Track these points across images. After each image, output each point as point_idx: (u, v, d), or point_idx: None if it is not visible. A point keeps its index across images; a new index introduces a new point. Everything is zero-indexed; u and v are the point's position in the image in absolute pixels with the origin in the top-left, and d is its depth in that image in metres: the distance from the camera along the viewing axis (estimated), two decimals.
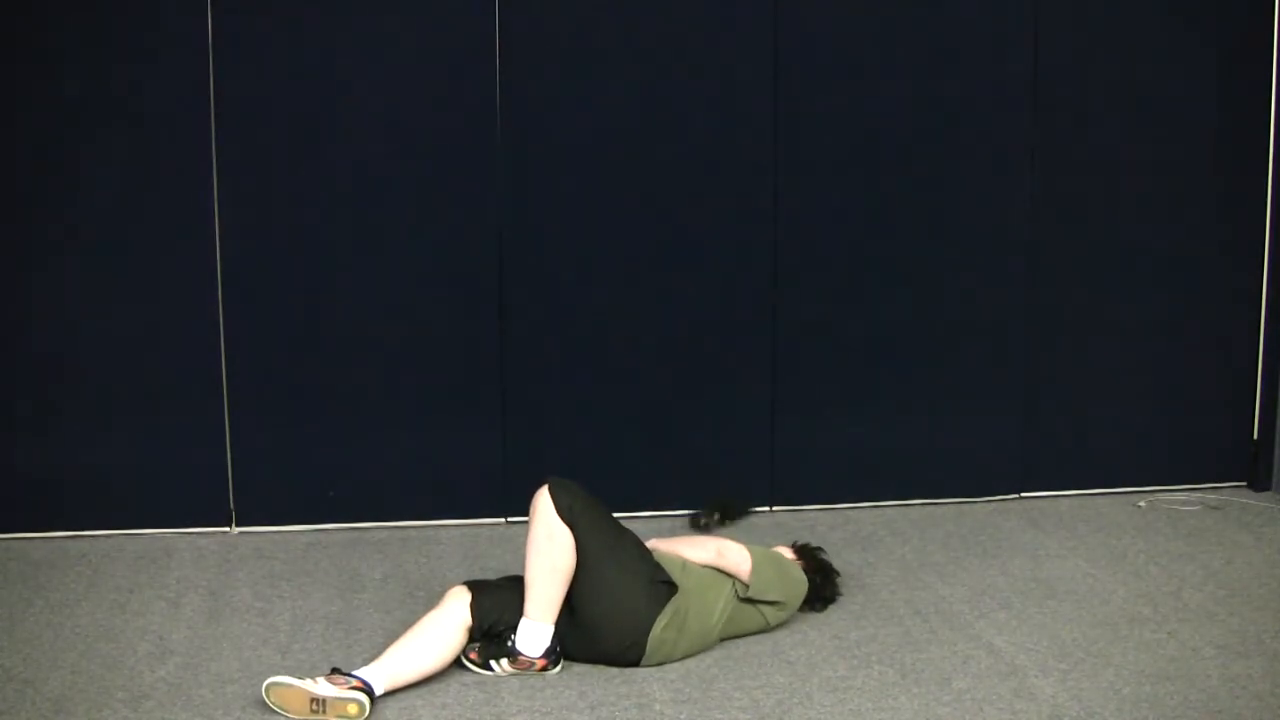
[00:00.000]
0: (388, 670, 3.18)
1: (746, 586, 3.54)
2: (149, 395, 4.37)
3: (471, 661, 3.33)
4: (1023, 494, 4.94)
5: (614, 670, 3.39)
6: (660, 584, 3.39)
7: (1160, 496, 4.95)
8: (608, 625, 3.34)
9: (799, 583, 3.67)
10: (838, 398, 4.75)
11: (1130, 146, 4.82)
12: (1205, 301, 4.96)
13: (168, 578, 4.03)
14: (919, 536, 4.49)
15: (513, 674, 3.31)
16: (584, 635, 3.36)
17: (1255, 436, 5.04)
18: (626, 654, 3.36)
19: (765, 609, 3.58)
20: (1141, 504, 4.88)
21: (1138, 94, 4.79)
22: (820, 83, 4.58)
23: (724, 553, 3.57)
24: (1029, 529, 4.59)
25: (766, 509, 4.77)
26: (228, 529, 4.47)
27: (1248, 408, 5.04)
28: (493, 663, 3.33)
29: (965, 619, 3.76)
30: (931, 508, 4.82)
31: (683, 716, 3.15)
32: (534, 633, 3.31)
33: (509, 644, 3.31)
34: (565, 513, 3.33)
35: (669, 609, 3.37)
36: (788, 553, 3.80)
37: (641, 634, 3.34)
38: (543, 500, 3.36)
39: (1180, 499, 4.93)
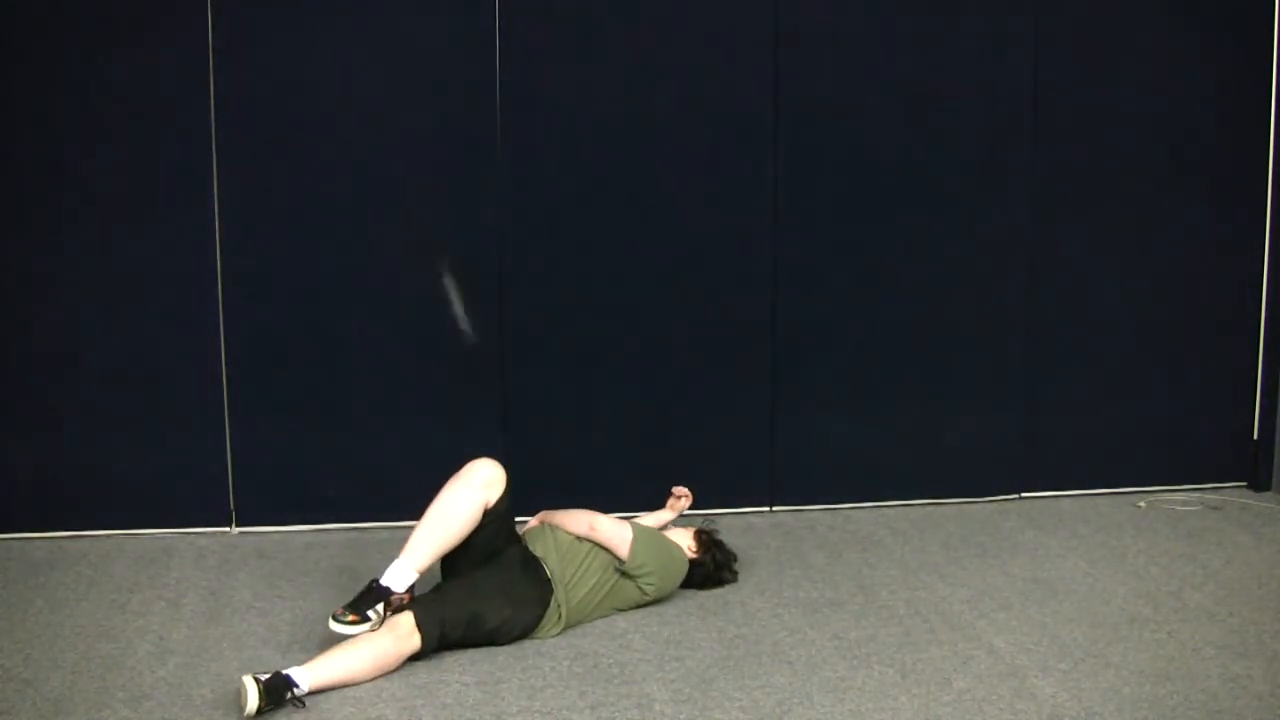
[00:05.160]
0: (318, 671, 3.21)
1: (623, 562, 3.74)
2: (149, 395, 4.37)
3: (350, 622, 3.36)
4: (1023, 494, 4.94)
5: (614, 670, 3.40)
6: (540, 585, 3.61)
7: (1160, 496, 4.95)
8: (503, 637, 3.54)
9: (677, 562, 3.88)
10: (838, 398, 4.75)
11: (1130, 147, 4.82)
12: (1205, 301, 4.96)
13: (168, 578, 4.03)
14: (919, 536, 4.50)
15: (384, 615, 3.39)
16: (481, 639, 3.51)
17: (1255, 436, 5.04)
18: (515, 639, 3.57)
19: (643, 583, 3.77)
20: (1141, 504, 4.88)
21: (1138, 95, 4.79)
22: (821, 82, 4.58)
23: (596, 527, 3.77)
24: (1029, 529, 4.59)
25: (767, 509, 4.77)
26: (228, 529, 4.47)
27: (1248, 408, 5.05)
28: (370, 613, 3.39)
29: (965, 619, 3.76)
30: (932, 508, 4.82)
31: (683, 716, 3.15)
32: (403, 573, 3.47)
33: (377, 587, 3.43)
34: (497, 505, 3.58)
35: (550, 610, 3.59)
36: (688, 538, 3.97)
37: (529, 631, 3.58)
38: (490, 473, 3.59)
39: (1180, 499, 4.93)
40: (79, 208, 4.26)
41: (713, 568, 3.96)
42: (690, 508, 4.54)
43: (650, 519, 4.15)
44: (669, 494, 4.25)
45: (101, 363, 4.34)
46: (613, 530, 3.77)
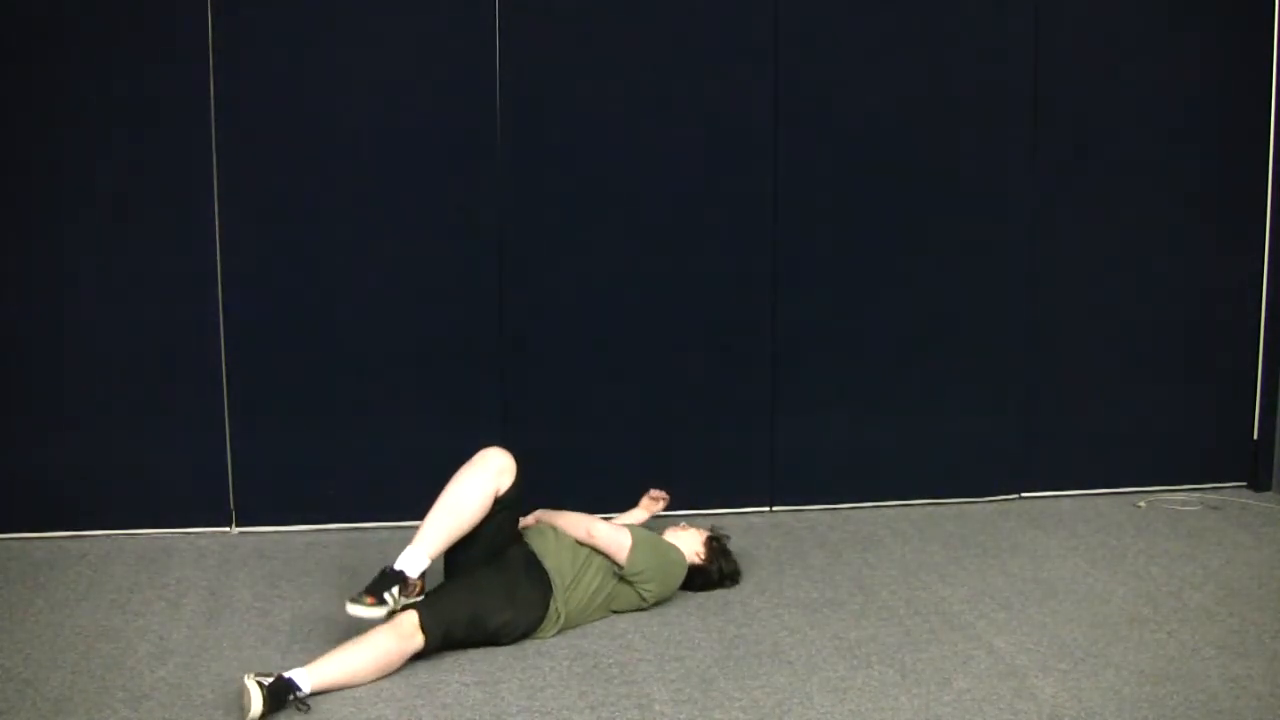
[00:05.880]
0: (319, 673, 3.21)
1: (621, 567, 3.73)
2: (149, 395, 4.37)
3: (369, 605, 3.35)
4: (1023, 494, 4.94)
5: (614, 670, 3.40)
6: (542, 587, 3.60)
7: (1160, 496, 4.95)
8: (504, 638, 3.54)
9: (676, 565, 3.86)
10: (838, 398, 4.75)
11: (1130, 147, 4.82)
12: (1205, 301, 4.96)
13: (168, 578, 4.03)
14: (919, 537, 4.50)
15: (404, 602, 3.39)
16: (481, 638, 3.52)
17: (1255, 436, 5.04)
18: (515, 640, 3.57)
19: (641, 589, 3.76)
20: (1141, 504, 4.88)
21: (1138, 94, 4.79)
22: (820, 82, 4.58)
23: (594, 533, 3.76)
24: (1029, 529, 4.59)
25: (767, 509, 4.77)
26: (228, 529, 4.47)
27: (1248, 408, 5.05)
28: (387, 596, 3.37)
29: (965, 619, 3.76)
30: (932, 508, 4.82)
31: (683, 716, 3.15)
32: (416, 559, 3.46)
33: (392, 572, 3.41)
34: (507, 494, 3.58)
35: (550, 612, 3.59)
36: (698, 543, 3.94)
37: (529, 633, 3.58)
38: (503, 461, 3.58)
39: (1180, 499, 4.93)
40: (79, 208, 4.25)
41: (717, 578, 3.95)
42: (690, 508, 4.56)
43: (625, 518, 4.15)
44: (648, 494, 4.31)
45: (101, 363, 4.33)
46: (610, 536, 3.76)
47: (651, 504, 4.27)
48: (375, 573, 3.48)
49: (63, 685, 3.25)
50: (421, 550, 3.47)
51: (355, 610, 3.34)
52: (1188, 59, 4.81)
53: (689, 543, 3.93)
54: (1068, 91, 4.73)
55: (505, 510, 3.62)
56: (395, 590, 3.38)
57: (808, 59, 4.56)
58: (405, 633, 3.33)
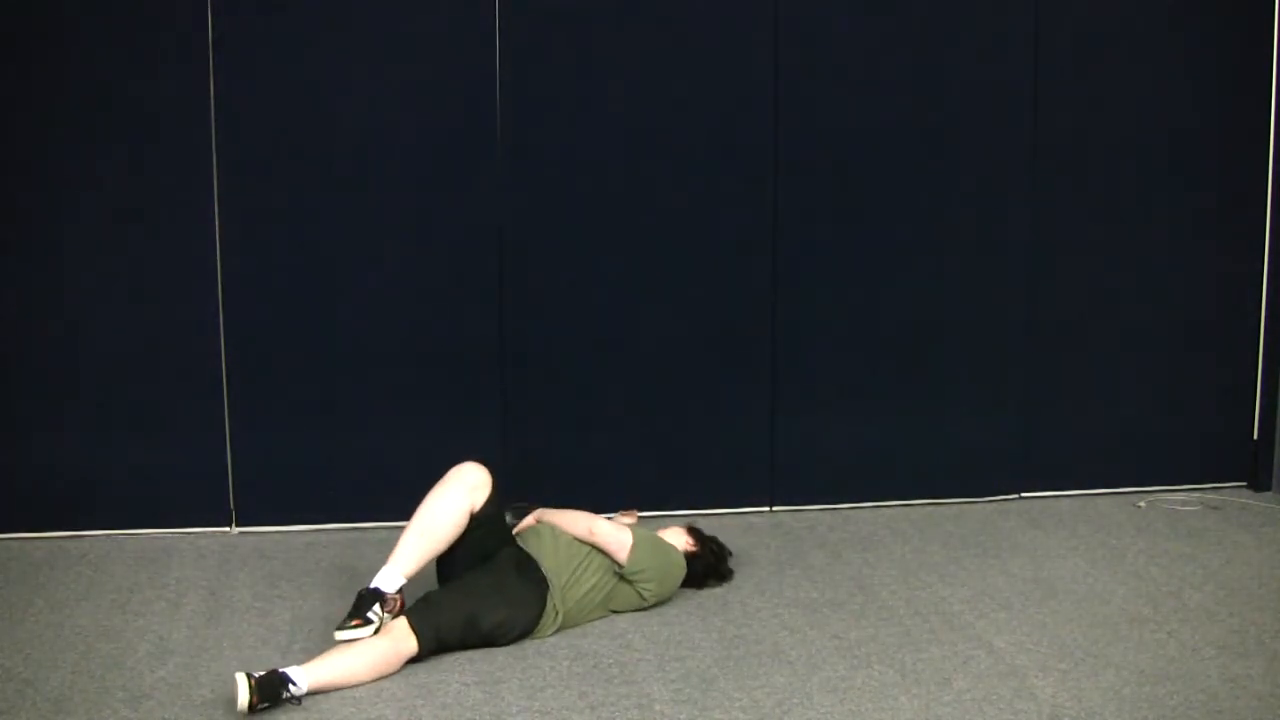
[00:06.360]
0: (316, 672, 3.22)
1: (621, 566, 3.73)
2: (149, 395, 4.37)
3: (354, 626, 3.34)
4: (1023, 494, 4.94)
5: (614, 670, 3.40)
6: (536, 585, 3.60)
7: (1160, 496, 4.95)
8: (501, 638, 3.54)
9: (675, 566, 3.87)
10: (838, 398, 4.75)
11: (1130, 147, 4.82)
12: (1205, 302, 4.96)
13: (168, 578, 4.03)
14: (919, 536, 4.50)
15: (384, 617, 3.39)
16: (478, 640, 3.51)
17: (1255, 436, 5.04)
18: (513, 640, 3.57)
19: (641, 588, 3.76)
20: (1141, 504, 4.88)
21: (1138, 95, 4.79)
22: (821, 83, 4.58)
23: (595, 531, 3.76)
24: (1029, 529, 4.59)
25: (767, 509, 4.77)
26: (228, 529, 4.47)
27: (1248, 408, 5.05)
28: (370, 614, 3.36)
29: (965, 619, 3.76)
30: (932, 508, 4.82)
31: (683, 716, 3.15)
32: (391, 578, 3.46)
33: (368, 591, 3.40)
34: (483, 510, 3.60)
35: (547, 610, 3.59)
36: (682, 535, 3.98)
37: (527, 632, 3.58)
38: (476, 478, 3.59)
39: (1180, 499, 4.93)
40: (79, 208, 4.25)
41: (713, 560, 3.97)
42: (690, 508, 4.56)
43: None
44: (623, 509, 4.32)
45: (102, 363, 4.34)
46: (612, 535, 3.76)
47: (626, 517, 4.27)
48: (371, 575, 3.49)
49: (63, 685, 3.25)
50: (395, 570, 3.48)
51: (344, 634, 3.33)
52: (1188, 59, 4.82)
53: (674, 539, 3.95)
54: (1068, 91, 4.73)
55: (484, 525, 3.61)
56: (377, 607, 3.38)
57: (808, 59, 4.56)
58: (397, 635, 3.34)
